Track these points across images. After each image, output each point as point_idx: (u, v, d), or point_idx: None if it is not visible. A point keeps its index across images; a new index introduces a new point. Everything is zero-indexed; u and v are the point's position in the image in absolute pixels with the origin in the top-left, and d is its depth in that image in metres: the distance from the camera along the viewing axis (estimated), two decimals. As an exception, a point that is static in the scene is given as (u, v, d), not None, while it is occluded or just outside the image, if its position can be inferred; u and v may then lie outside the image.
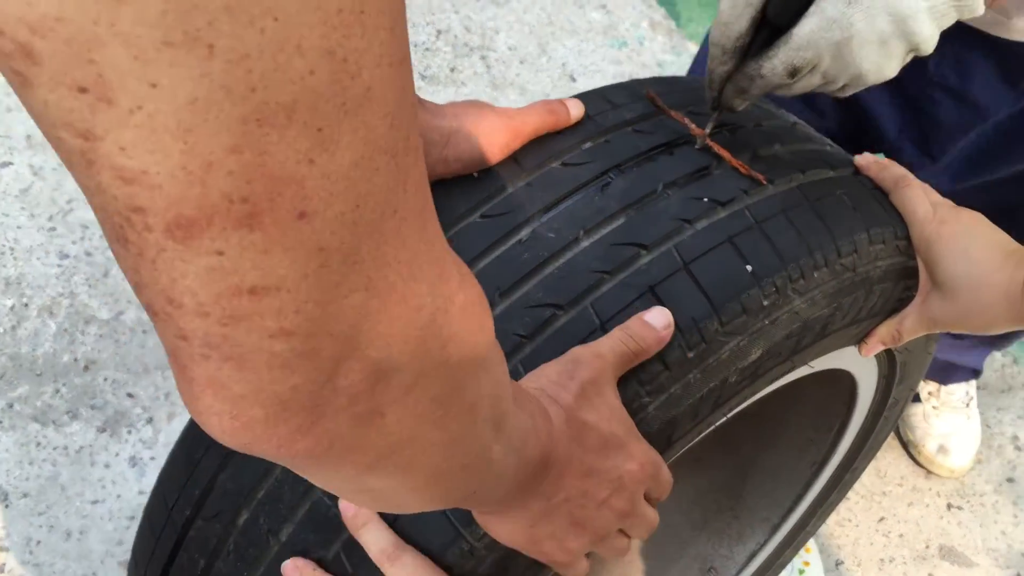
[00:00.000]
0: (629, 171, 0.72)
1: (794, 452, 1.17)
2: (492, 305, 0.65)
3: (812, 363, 0.79)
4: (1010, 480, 1.73)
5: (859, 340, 0.84)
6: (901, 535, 1.64)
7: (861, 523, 1.64)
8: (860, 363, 0.94)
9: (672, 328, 0.64)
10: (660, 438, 0.66)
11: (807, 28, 0.65)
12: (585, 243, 0.68)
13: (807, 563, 1.54)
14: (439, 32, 2.02)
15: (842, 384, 1.00)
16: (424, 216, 0.34)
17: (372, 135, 0.29)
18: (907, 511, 1.67)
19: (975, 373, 1.68)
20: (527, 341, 0.64)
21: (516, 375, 0.62)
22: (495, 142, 0.72)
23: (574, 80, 2.04)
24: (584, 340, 0.64)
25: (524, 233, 0.68)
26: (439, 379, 0.38)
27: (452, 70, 1.98)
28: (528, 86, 1.99)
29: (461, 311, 0.38)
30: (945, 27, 0.67)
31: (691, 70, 1.26)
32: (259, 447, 0.34)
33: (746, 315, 0.67)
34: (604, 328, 0.64)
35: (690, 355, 0.65)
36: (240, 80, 0.25)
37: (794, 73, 0.67)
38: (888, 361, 0.97)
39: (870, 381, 1.00)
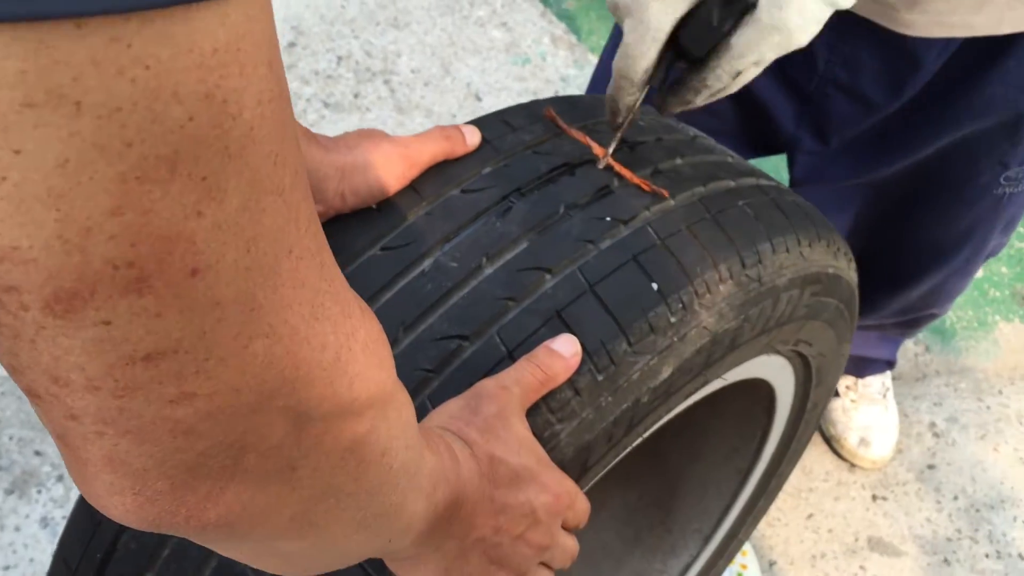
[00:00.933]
0: (530, 194, 0.71)
1: (720, 462, 1.17)
2: (396, 341, 0.64)
3: (725, 376, 0.79)
4: (931, 467, 1.76)
5: (771, 349, 0.84)
6: (830, 530, 1.66)
7: (790, 522, 1.66)
8: (776, 371, 0.95)
9: (580, 355, 0.63)
10: (575, 465, 0.65)
11: (746, 37, 0.66)
12: (489, 270, 0.66)
13: (744, 566, 1.54)
14: (340, 58, 2.00)
15: (761, 392, 1.00)
16: (322, 253, 0.33)
17: (257, 176, 0.27)
18: (834, 506, 1.69)
19: (889, 364, 1.72)
20: (434, 375, 0.62)
21: (423, 412, 0.60)
22: (392, 173, 0.70)
23: (480, 99, 2.04)
24: (492, 371, 0.62)
25: (426, 264, 0.67)
26: (349, 423, 0.36)
27: (356, 96, 1.96)
28: (434, 108, 1.99)
29: (364, 348, 0.36)
30: None
31: (590, 88, 1.26)
32: (167, 522, 0.32)
33: (654, 333, 0.66)
34: (512, 357, 0.63)
35: (600, 378, 0.64)
36: (114, 136, 0.23)
37: (737, 75, 0.68)
38: (803, 366, 0.98)
39: (787, 387, 1.01)
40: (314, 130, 1.92)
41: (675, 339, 0.68)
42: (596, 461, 0.67)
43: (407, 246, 0.68)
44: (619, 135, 0.73)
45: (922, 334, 1.92)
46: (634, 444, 0.73)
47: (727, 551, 1.27)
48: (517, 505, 0.58)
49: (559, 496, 0.60)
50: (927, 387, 1.87)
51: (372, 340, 0.37)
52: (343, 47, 2.02)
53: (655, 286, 0.67)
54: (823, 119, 1.14)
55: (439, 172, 0.72)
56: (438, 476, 0.50)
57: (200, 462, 0.31)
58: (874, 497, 1.71)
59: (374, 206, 0.70)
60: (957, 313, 1.98)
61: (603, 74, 1.18)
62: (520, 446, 0.59)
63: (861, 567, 1.63)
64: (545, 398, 0.62)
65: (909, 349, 1.92)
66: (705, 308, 0.69)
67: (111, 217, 0.24)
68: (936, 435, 1.80)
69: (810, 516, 1.67)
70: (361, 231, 0.69)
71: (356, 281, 0.66)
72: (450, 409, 0.60)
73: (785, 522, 1.66)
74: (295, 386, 0.32)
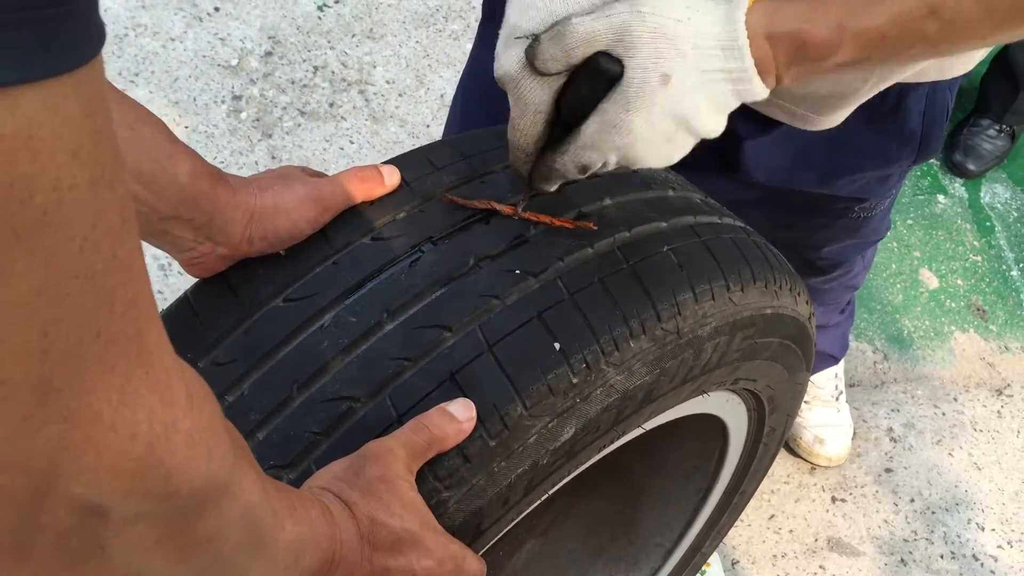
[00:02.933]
0: (442, 243, 0.70)
1: (680, 479, 1.16)
2: (289, 399, 0.63)
3: (644, 425, 0.77)
4: (888, 471, 1.81)
5: (701, 392, 0.82)
6: (791, 531, 1.70)
7: (753, 522, 1.69)
8: (721, 404, 0.93)
9: (475, 419, 0.62)
10: (467, 529, 0.64)
11: (590, 130, 0.64)
12: (389, 326, 0.65)
13: (708, 564, 1.55)
14: (316, 68, 2.03)
15: (712, 422, 0.99)
16: (142, 337, 0.32)
17: (55, 260, 0.27)
18: (795, 507, 1.73)
19: (834, 359, 1.73)
20: (322, 438, 0.62)
21: (308, 475, 0.60)
22: (302, 217, 0.69)
23: None
24: (381, 434, 0.62)
25: (327, 318, 0.66)
26: (165, 513, 0.36)
27: (331, 105, 1.98)
28: (408, 118, 2.01)
29: (187, 439, 0.35)
30: (731, 110, 0.66)
31: (447, 130, 1.25)
32: None
33: (553, 396, 0.65)
34: (401, 421, 0.62)
35: (492, 444, 0.63)
36: None
37: (585, 169, 0.65)
38: (752, 398, 0.96)
39: (739, 418, 0.99)
40: (289, 138, 1.91)
41: (577, 400, 0.66)
42: (492, 524, 0.67)
43: (309, 298, 0.67)
44: (527, 195, 0.70)
45: (880, 343, 1.98)
46: (540, 501, 0.72)
47: (690, 565, 1.26)
48: (397, 569, 0.57)
49: (442, 560, 0.59)
50: (885, 394, 1.91)
51: (200, 428, 0.36)
52: (319, 57, 2.05)
53: (558, 345, 0.65)
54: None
55: (351, 217, 0.71)
56: (304, 544, 0.50)
57: None
58: (834, 499, 1.75)
59: (282, 252, 0.69)
60: (914, 323, 2.03)
61: (455, 128, 1.15)
62: (404, 509, 0.58)
63: (821, 567, 1.66)
64: (432, 465, 0.61)
65: (868, 357, 1.96)
66: (613, 366, 0.68)
67: None
68: (893, 440, 1.85)
69: (772, 517, 1.70)
70: (266, 280, 0.68)
71: (255, 334, 0.66)
72: (333, 470, 0.59)
73: (747, 523, 1.69)
74: (96, 474, 0.31)
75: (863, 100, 0.93)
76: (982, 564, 1.71)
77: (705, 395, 0.84)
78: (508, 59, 0.64)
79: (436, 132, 1.99)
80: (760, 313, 0.81)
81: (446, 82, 2.07)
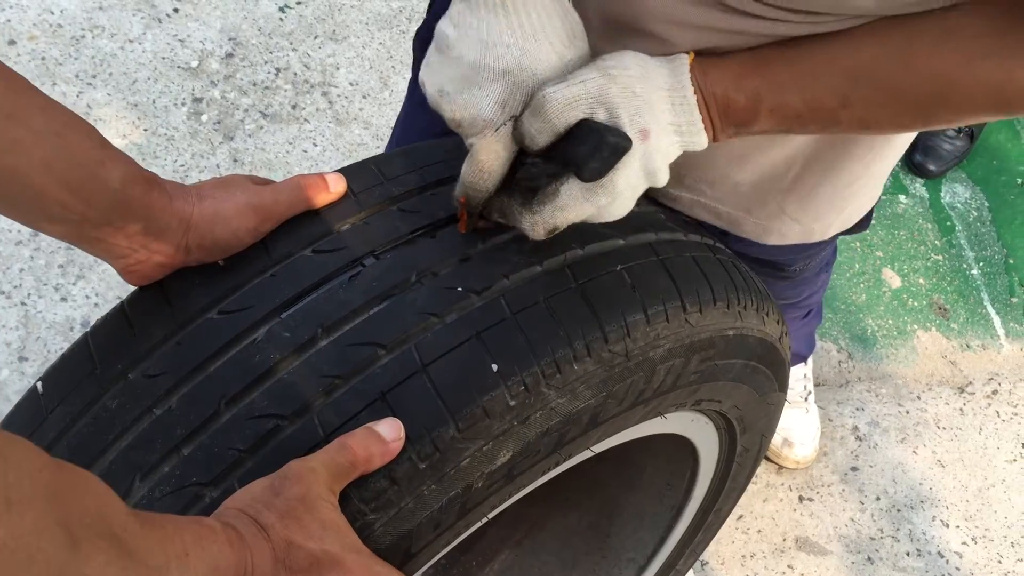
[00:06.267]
0: (384, 257, 0.68)
1: (654, 496, 1.14)
2: (217, 414, 0.62)
3: (593, 448, 0.75)
4: (854, 469, 1.82)
5: (657, 414, 0.80)
6: (759, 531, 1.71)
7: None
8: (685, 425, 0.91)
9: (402, 441, 0.60)
10: (396, 552, 0.63)
11: (573, 190, 0.64)
12: (322, 343, 0.64)
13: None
14: (278, 70, 2.01)
15: (681, 441, 0.96)
16: None
17: None
18: (763, 507, 1.73)
19: (800, 357, 1.72)
20: (247, 456, 0.60)
21: (230, 493, 0.58)
22: (242, 226, 0.68)
23: None
24: (308, 454, 0.60)
25: (260, 333, 0.64)
26: None
27: (294, 107, 1.96)
28: (372, 120, 1.99)
29: (0, 549, 0.34)
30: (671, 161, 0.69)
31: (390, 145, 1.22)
32: None
33: (489, 419, 0.63)
34: (328, 440, 0.60)
35: (422, 466, 0.61)
36: None
37: (554, 231, 0.66)
38: (721, 418, 0.94)
39: (707, 437, 0.97)
40: (251, 140, 1.88)
41: (515, 423, 0.64)
42: (423, 547, 0.65)
43: (244, 311, 0.65)
44: (482, 221, 0.69)
45: (845, 342, 2.00)
46: (481, 523, 0.70)
47: (665, 581, 1.24)
48: None
49: None
50: (849, 392, 1.93)
51: (18, 537, 0.35)
52: (281, 59, 2.03)
53: (495, 367, 0.63)
54: None
55: (294, 228, 0.69)
56: (212, 574, 0.49)
57: None
58: (801, 498, 1.76)
59: (220, 262, 0.68)
60: (878, 322, 2.05)
61: (404, 135, 1.14)
62: (323, 531, 0.57)
63: (789, 566, 1.67)
64: (357, 486, 0.60)
65: (833, 356, 1.98)
66: (554, 389, 0.66)
67: None
68: (859, 438, 1.86)
69: (740, 517, 1.71)
70: (202, 290, 0.67)
71: (187, 346, 0.64)
72: (252, 491, 0.58)
73: (716, 523, 1.69)
74: None
75: (788, 192, 0.91)
76: (947, 561, 1.73)
77: (663, 417, 0.81)
78: (477, 104, 0.63)
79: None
80: (720, 335, 0.78)
81: (409, 84, 2.06)
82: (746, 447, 1.03)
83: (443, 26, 0.65)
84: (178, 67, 1.97)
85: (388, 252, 0.68)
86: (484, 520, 0.70)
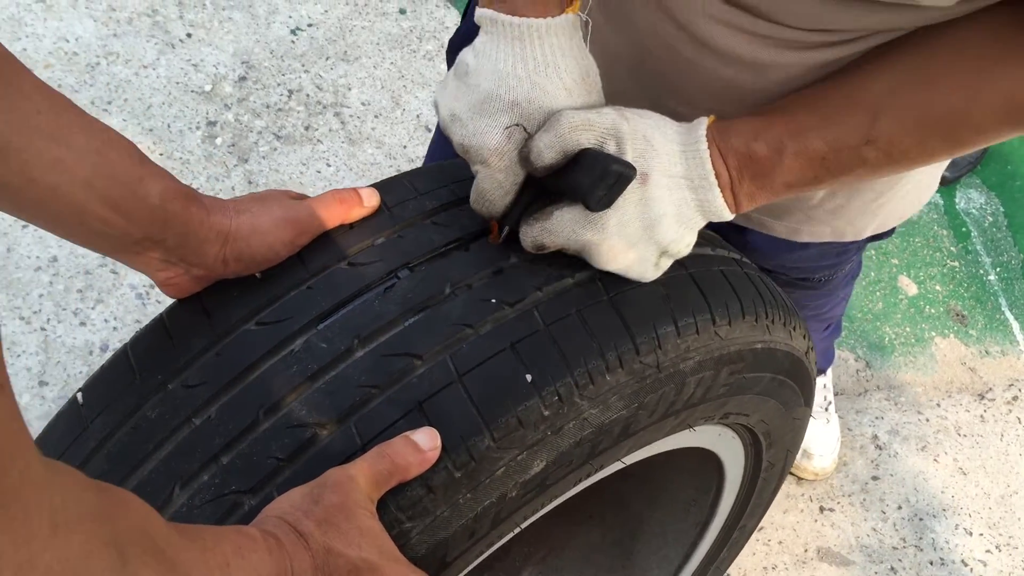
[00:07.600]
0: (418, 269, 0.69)
1: (679, 512, 1.14)
2: (255, 424, 0.62)
3: (624, 459, 0.76)
4: (875, 478, 1.81)
5: (686, 426, 0.80)
6: (780, 542, 1.70)
7: None
8: (714, 439, 0.91)
9: (439, 450, 0.61)
10: (432, 560, 0.63)
11: (565, 217, 0.67)
12: (359, 353, 0.64)
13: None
14: (291, 92, 2.03)
15: (707, 455, 0.97)
16: None
17: None
18: (783, 518, 1.73)
19: (820, 371, 1.72)
20: (285, 464, 0.61)
21: (269, 501, 0.59)
22: (279, 239, 0.69)
23: (430, 130, 2.04)
24: (345, 462, 0.61)
25: (297, 344, 0.65)
26: None
27: (307, 128, 1.98)
28: (385, 139, 2.01)
29: (46, 573, 0.34)
30: (698, 229, 0.70)
31: (429, 155, 1.26)
32: None
33: (523, 428, 0.63)
34: (365, 449, 0.61)
35: (457, 475, 0.61)
36: None
37: (540, 248, 0.68)
38: (748, 432, 0.94)
39: (734, 452, 0.97)
40: (266, 162, 1.90)
41: (548, 432, 0.65)
42: (459, 555, 0.65)
43: (282, 322, 0.66)
44: (506, 230, 0.71)
45: (862, 351, 2.00)
46: (515, 533, 0.70)
47: (688, 601, 1.23)
48: None
49: None
50: (868, 401, 1.93)
51: (65, 560, 0.35)
52: (293, 81, 2.06)
53: (529, 377, 0.64)
54: None
55: (329, 241, 0.70)
56: None
57: None
58: (821, 509, 1.75)
59: (257, 275, 0.69)
60: (895, 330, 2.04)
61: (438, 150, 1.17)
62: (362, 538, 0.57)
63: None
64: (394, 494, 0.60)
65: (851, 365, 1.97)
66: (587, 399, 0.66)
67: None
68: (879, 447, 1.86)
69: (760, 529, 1.70)
70: (240, 302, 0.68)
71: (226, 357, 0.65)
72: (292, 498, 0.58)
73: (737, 535, 1.69)
74: None
75: (816, 208, 0.93)
76: (971, 569, 1.72)
77: (692, 429, 0.82)
78: (484, 132, 0.65)
79: (413, 152, 2.00)
80: (749, 348, 0.79)
81: (421, 103, 2.07)
82: (772, 462, 1.03)
83: (465, 54, 0.67)
84: (192, 91, 2.00)
85: (422, 264, 0.69)
86: (518, 529, 0.70)
